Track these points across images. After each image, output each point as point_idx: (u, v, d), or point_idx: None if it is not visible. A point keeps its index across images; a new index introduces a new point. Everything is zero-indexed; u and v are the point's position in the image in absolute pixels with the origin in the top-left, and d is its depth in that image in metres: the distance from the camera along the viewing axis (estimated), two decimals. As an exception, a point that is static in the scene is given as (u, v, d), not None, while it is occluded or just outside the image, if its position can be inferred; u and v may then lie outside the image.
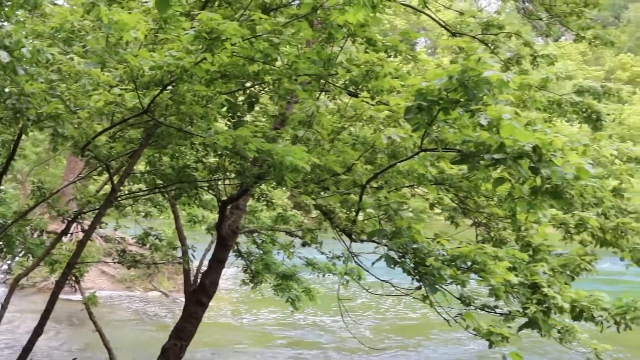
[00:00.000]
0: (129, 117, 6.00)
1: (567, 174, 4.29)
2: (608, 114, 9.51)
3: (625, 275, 22.65)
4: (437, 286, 5.37)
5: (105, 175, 9.07)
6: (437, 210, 7.99)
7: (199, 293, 8.81)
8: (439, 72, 4.36)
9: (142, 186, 9.21)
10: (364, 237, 6.11)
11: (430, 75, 4.46)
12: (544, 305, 5.93)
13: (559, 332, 6.27)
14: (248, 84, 6.84)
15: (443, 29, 9.91)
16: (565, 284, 6.71)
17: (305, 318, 15.55)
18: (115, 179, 7.40)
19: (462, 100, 4.25)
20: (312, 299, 10.96)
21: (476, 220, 7.45)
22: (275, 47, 5.22)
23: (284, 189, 7.29)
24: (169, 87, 5.63)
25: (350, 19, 5.31)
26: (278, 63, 6.17)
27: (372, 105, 6.35)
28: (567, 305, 5.95)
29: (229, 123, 7.19)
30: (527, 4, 9.94)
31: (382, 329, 15.25)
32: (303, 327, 14.98)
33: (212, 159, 7.63)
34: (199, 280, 9.12)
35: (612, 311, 6.02)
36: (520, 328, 6.14)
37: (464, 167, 5.30)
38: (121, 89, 5.57)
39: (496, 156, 4.19)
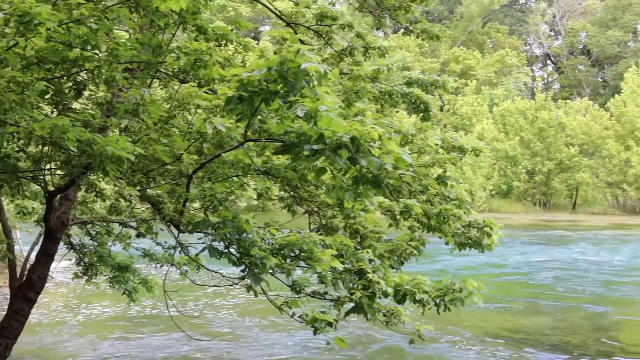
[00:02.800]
0: None
1: (385, 163, 4.44)
2: (443, 105, 10.01)
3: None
4: (261, 276, 5.41)
5: None
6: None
7: (26, 288, 8.38)
8: (261, 63, 4.37)
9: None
10: (191, 228, 6.04)
11: (252, 65, 4.46)
12: (369, 290, 6.15)
13: (384, 315, 6.53)
14: (75, 70, 6.56)
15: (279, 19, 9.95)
16: (392, 267, 7.00)
17: (143, 310, 15.23)
18: None
19: (281, 91, 4.28)
20: (150, 290, 10.72)
21: (308, 208, 7.58)
22: (94, 33, 5.03)
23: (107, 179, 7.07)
24: (-19, 73, 5.28)
25: (173, 7, 5.21)
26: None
27: (206, 93, 6.28)
28: (390, 290, 6.21)
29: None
30: (360, -4, 10.16)
31: (226, 316, 15.21)
32: (140, 319, 14.64)
33: (36, 149, 7.26)
34: (26, 274, 8.69)
35: (432, 294, 6.34)
36: (347, 313, 6.34)
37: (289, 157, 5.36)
38: None
39: (315, 147, 4.26)
